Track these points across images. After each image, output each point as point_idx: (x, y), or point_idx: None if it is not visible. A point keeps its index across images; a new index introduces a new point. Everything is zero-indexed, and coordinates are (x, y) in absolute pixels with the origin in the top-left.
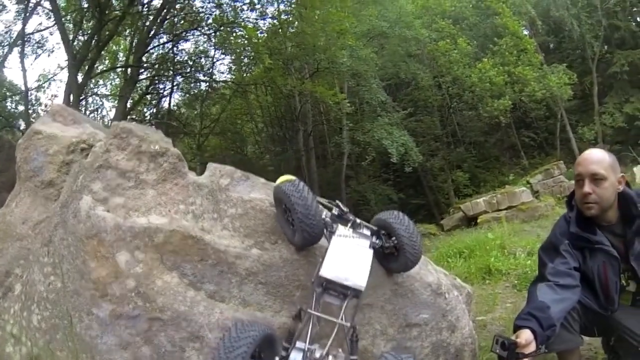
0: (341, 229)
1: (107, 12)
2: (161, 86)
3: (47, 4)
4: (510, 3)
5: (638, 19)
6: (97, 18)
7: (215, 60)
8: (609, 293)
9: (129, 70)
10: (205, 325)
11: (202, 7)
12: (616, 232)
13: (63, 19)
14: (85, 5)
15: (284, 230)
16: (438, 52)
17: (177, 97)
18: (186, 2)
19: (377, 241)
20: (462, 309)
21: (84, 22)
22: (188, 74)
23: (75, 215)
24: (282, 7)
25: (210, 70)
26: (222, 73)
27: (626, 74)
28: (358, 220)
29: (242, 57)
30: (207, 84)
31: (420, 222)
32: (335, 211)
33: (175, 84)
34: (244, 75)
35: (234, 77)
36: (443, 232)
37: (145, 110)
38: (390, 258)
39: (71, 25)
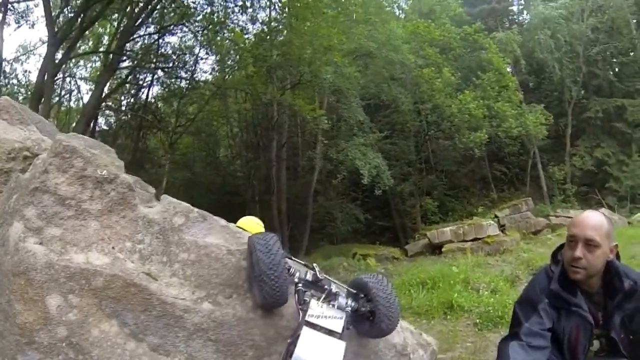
0: (313, 307)
1: None
2: (141, 77)
3: None
4: (497, 40)
5: (617, 69)
6: None
7: (199, 58)
8: (576, 354)
9: (110, 56)
10: None
11: (194, 2)
12: (594, 300)
13: None
14: None
15: (250, 287)
16: (422, 78)
17: (155, 90)
18: None
19: (353, 304)
20: None
21: None
22: (170, 69)
23: (3, 244)
24: (273, 14)
25: (193, 68)
26: (205, 72)
27: (599, 120)
28: (334, 289)
29: (226, 59)
30: (188, 81)
31: (384, 245)
32: (309, 276)
33: (155, 77)
34: (226, 77)
35: (215, 78)
36: (407, 257)
37: (122, 99)
38: (365, 323)
39: (58, 0)
